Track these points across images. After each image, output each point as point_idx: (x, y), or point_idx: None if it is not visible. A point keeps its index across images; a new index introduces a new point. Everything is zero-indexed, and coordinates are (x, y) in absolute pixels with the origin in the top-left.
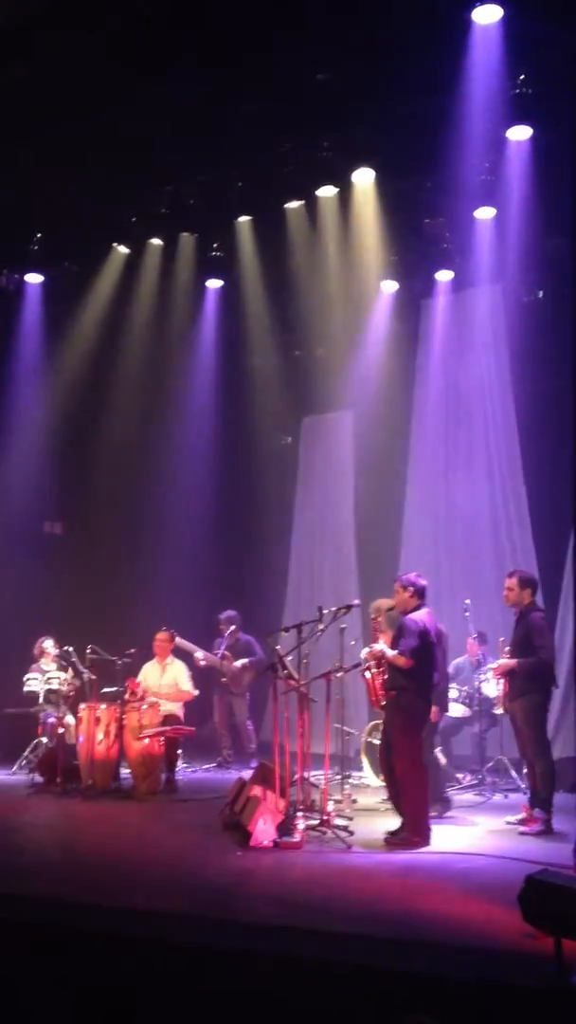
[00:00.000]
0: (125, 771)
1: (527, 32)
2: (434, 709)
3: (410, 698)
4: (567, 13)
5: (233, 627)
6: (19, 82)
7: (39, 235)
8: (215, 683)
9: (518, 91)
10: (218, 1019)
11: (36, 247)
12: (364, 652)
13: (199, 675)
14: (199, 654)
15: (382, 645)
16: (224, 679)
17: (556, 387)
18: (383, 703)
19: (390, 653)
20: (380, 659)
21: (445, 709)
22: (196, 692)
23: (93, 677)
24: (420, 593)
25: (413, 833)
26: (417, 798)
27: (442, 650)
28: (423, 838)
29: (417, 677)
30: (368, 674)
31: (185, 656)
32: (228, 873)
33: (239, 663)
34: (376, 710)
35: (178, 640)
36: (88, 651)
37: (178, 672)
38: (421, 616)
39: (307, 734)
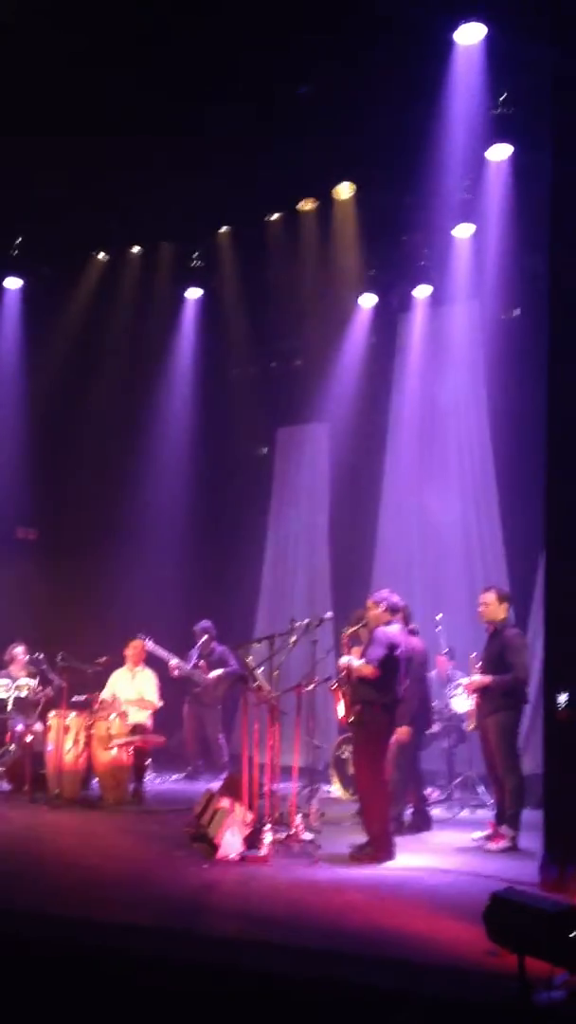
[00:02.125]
0: (94, 780)
1: (509, 51)
2: (404, 728)
3: (375, 712)
4: (549, 32)
5: (206, 637)
6: (1, 85)
7: (19, 239)
8: (187, 694)
9: (499, 110)
10: None
11: (15, 251)
12: (344, 659)
13: (170, 685)
14: (174, 662)
15: (348, 658)
16: (197, 689)
17: (531, 404)
18: (350, 719)
19: (356, 663)
20: (349, 672)
21: (427, 727)
22: (160, 703)
23: (63, 685)
24: (392, 609)
25: (377, 848)
26: (379, 812)
27: (417, 670)
28: (387, 853)
29: (383, 690)
30: (339, 690)
31: (157, 665)
32: (194, 886)
33: (214, 674)
34: (343, 725)
35: (153, 647)
36: (59, 659)
37: (145, 681)
38: (392, 629)
39: (277, 746)
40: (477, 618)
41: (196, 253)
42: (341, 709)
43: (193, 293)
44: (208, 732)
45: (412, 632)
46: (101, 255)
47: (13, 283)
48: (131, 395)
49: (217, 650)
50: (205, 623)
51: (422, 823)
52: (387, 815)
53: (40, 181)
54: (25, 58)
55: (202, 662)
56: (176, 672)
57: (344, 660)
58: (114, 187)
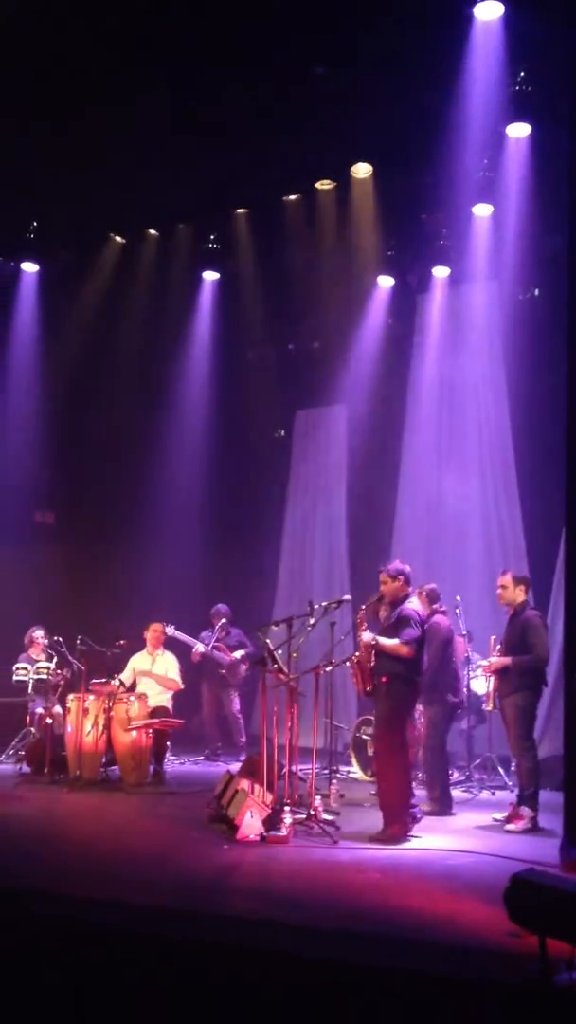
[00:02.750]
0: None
1: (527, 29)
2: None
3: (400, 686)
4: (567, 11)
5: (223, 620)
6: (17, 71)
7: (35, 224)
8: (206, 675)
9: (518, 88)
10: (202, 1013)
11: (32, 235)
12: (367, 636)
13: (190, 667)
14: (199, 648)
15: (371, 634)
16: (222, 671)
17: (550, 384)
18: (369, 691)
19: (390, 643)
20: (369, 648)
21: (457, 706)
22: (183, 686)
23: (82, 668)
24: (409, 580)
25: (390, 823)
26: (396, 786)
27: (444, 650)
28: (402, 826)
29: (409, 664)
30: (357, 664)
31: (176, 649)
32: (214, 867)
33: (237, 654)
34: (363, 698)
35: (176, 633)
36: (78, 641)
37: (168, 663)
38: (415, 605)
39: (295, 728)
40: (496, 600)
41: (213, 235)
42: (361, 682)
43: (210, 275)
44: (228, 712)
45: (441, 612)
46: (118, 238)
47: (30, 267)
48: (148, 378)
49: (233, 633)
50: (222, 606)
51: (444, 804)
52: (405, 789)
53: (56, 164)
54: (43, 40)
55: (221, 644)
56: (198, 657)
57: (368, 636)
58: (130, 170)
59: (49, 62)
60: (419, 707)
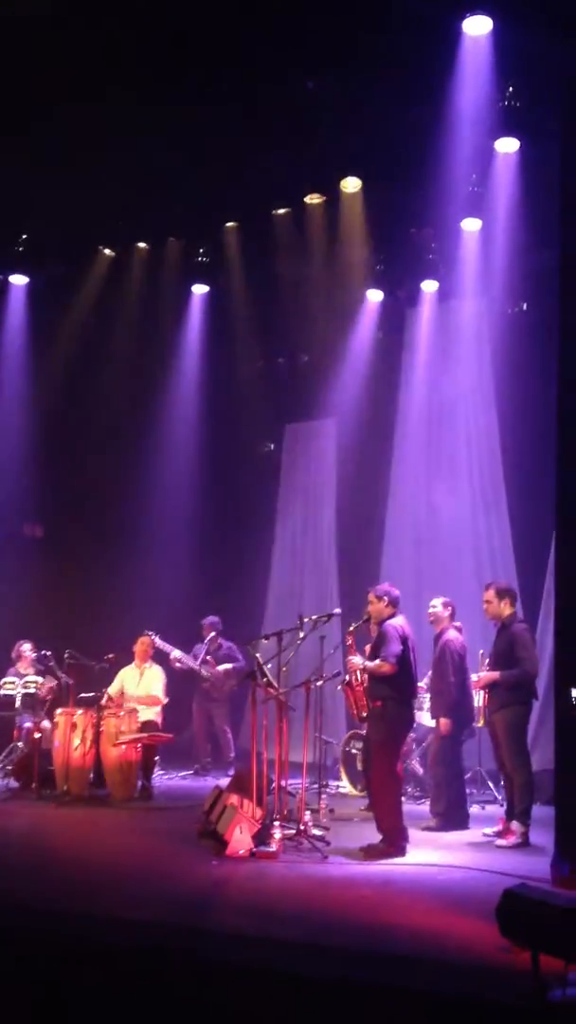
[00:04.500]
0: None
1: (516, 44)
2: (445, 721)
3: (394, 708)
4: (556, 26)
5: (214, 633)
6: (6, 83)
7: (24, 236)
8: (195, 690)
9: (506, 103)
10: None
11: (21, 248)
12: (356, 660)
13: (180, 681)
14: (175, 654)
15: (360, 658)
16: (206, 684)
17: (539, 398)
18: (364, 716)
19: (371, 664)
20: (359, 672)
21: (469, 720)
22: (166, 700)
23: (70, 682)
24: (394, 602)
25: (388, 844)
26: (391, 808)
27: (459, 664)
28: (399, 848)
29: (400, 685)
30: (349, 689)
31: (164, 662)
32: (204, 882)
33: (223, 667)
34: (357, 722)
35: (157, 641)
36: (66, 655)
37: (153, 678)
38: (398, 622)
39: (285, 743)
40: (484, 615)
41: (202, 248)
42: (354, 706)
43: (200, 289)
44: (216, 727)
45: (456, 627)
46: (107, 251)
47: (19, 280)
48: (138, 391)
49: (224, 645)
50: (212, 618)
51: (460, 819)
52: (399, 809)
53: (45, 177)
54: (32, 55)
55: (209, 657)
56: (177, 664)
57: (356, 660)
58: (120, 183)
59: (39, 75)
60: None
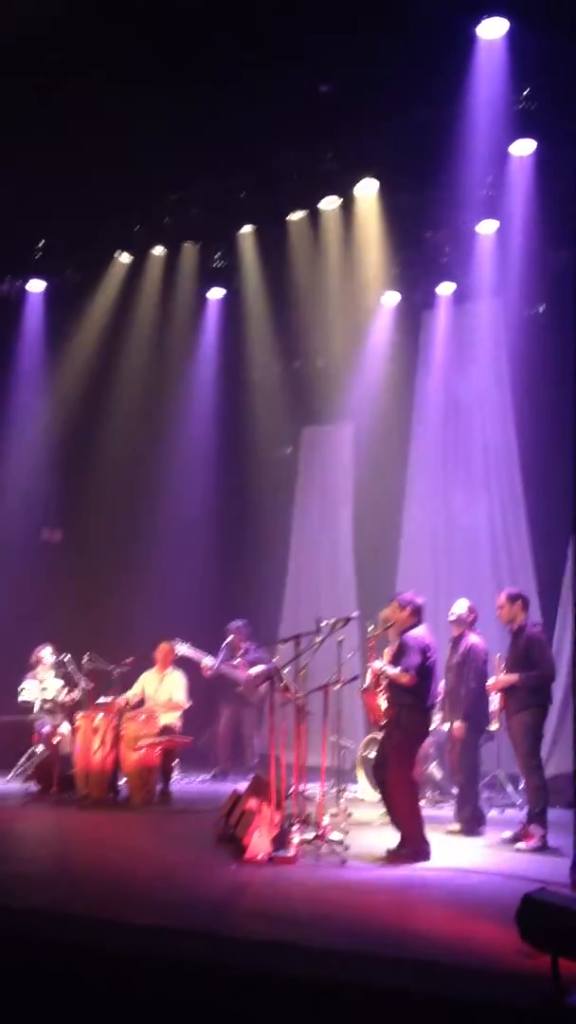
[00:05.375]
0: (121, 781)
1: (532, 46)
2: (459, 724)
3: (413, 716)
4: (572, 28)
5: (232, 636)
6: (24, 89)
7: (42, 242)
8: (223, 693)
9: (522, 105)
10: None
11: (38, 254)
12: (378, 664)
13: (205, 684)
14: (207, 661)
15: (381, 663)
16: (239, 688)
17: (556, 401)
18: (382, 723)
19: (392, 671)
20: (379, 677)
21: (485, 724)
22: (188, 704)
23: (90, 686)
24: (417, 611)
25: (415, 848)
26: (410, 814)
27: (480, 669)
28: (424, 852)
29: (420, 695)
30: (368, 693)
31: (188, 667)
32: (222, 887)
33: (254, 671)
34: (375, 728)
35: (188, 649)
36: (85, 660)
37: (174, 682)
38: (420, 633)
39: (303, 747)
40: (499, 620)
41: (218, 253)
42: (372, 711)
43: (216, 293)
44: (244, 732)
45: (478, 635)
46: (124, 257)
47: (36, 286)
48: (155, 396)
49: (251, 649)
50: (237, 622)
51: (474, 824)
52: (419, 814)
53: (62, 183)
54: (47, 60)
55: (238, 661)
56: (209, 672)
57: (377, 665)
58: (136, 188)
59: (54, 82)
60: (458, 725)
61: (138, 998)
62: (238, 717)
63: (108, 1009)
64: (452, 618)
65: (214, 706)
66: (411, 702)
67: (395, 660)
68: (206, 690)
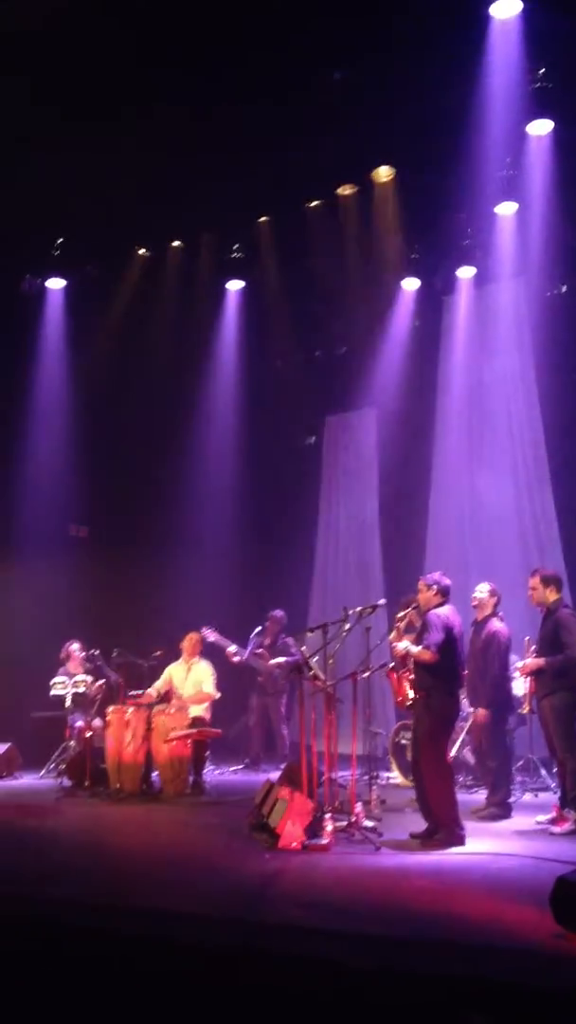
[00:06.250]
0: (154, 773)
1: (546, 26)
2: (482, 711)
3: (440, 698)
4: None
5: (266, 624)
6: (41, 87)
7: (60, 240)
8: (253, 684)
9: (538, 85)
10: (248, 1022)
11: (57, 252)
12: (401, 645)
13: (234, 675)
14: (231, 648)
15: (406, 644)
16: (260, 678)
17: None
18: (408, 703)
19: (415, 649)
20: (405, 658)
21: (509, 709)
22: (218, 695)
23: (120, 680)
24: (444, 592)
25: (447, 833)
26: (445, 797)
27: (503, 655)
28: (458, 837)
29: (445, 675)
30: (394, 674)
31: (217, 656)
32: (257, 875)
33: (274, 661)
34: (401, 711)
35: (215, 636)
36: (114, 654)
37: (202, 673)
38: (445, 611)
39: (334, 735)
40: (529, 602)
41: (236, 244)
42: (398, 693)
43: (235, 284)
44: (273, 723)
45: (499, 618)
46: (142, 251)
47: (56, 283)
48: (178, 389)
49: (281, 640)
50: (277, 612)
51: (507, 809)
52: (453, 799)
53: (79, 179)
54: (64, 55)
55: (262, 651)
56: (236, 659)
57: (402, 646)
58: (152, 182)
59: (70, 78)
60: (481, 712)
61: (173, 985)
62: (266, 707)
63: (149, 997)
64: (474, 603)
65: (244, 697)
66: (437, 683)
67: (419, 638)
68: (236, 680)
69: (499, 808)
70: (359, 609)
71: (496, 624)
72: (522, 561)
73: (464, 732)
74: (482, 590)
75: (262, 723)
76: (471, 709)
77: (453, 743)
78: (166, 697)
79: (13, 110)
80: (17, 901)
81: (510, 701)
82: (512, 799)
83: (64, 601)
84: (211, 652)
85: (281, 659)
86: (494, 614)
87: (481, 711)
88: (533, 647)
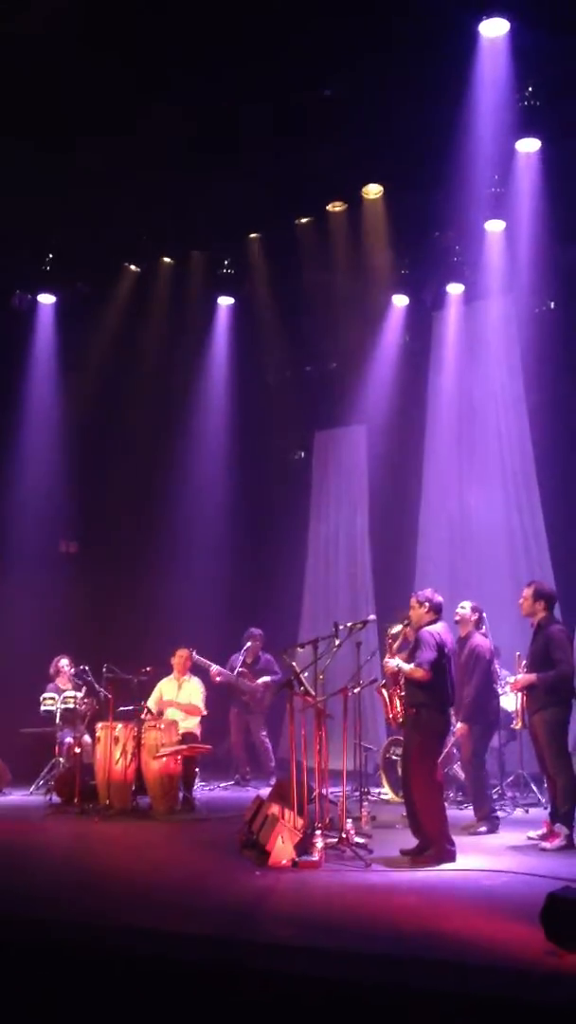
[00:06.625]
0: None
1: (534, 44)
2: (462, 727)
3: (431, 715)
4: (573, 25)
5: (249, 644)
6: (29, 102)
7: (51, 256)
8: (233, 701)
9: (526, 103)
10: None
11: (48, 267)
12: (392, 662)
13: (217, 693)
14: (214, 669)
15: (397, 661)
16: (245, 697)
17: (569, 395)
18: (400, 720)
19: (406, 667)
20: (396, 675)
21: (493, 726)
22: (205, 711)
23: (109, 696)
24: (436, 609)
25: (438, 850)
26: (434, 814)
27: (485, 670)
28: (448, 853)
29: (436, 692)
30: (385, 691)
31: (203, 674)
32: (247, 893)
33: (261, 680)
34: (392, 728)
35: (194, 656)
36: (104, 670)
37: (193, 689)
38: (438, 629)
39: (324, 751)
40: (521, 613)
41: (227, 261)
42: (389, 710)
43: (225, 300)
44: (254, 737)
45: (483, 634)
46: (133, 267)
47: (47, 299)
48: (168, 405)
49: (263, 658)
50: (254, 630)
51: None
52: (443, 816)
53: (69, 196)
54: (53, 71)
55: (245, 670)
56: (219, 679)
57: (393, 663)
58: (143, 199)
59: (59, 93)
60: (460, 727)
61: (162, 1005)
62: (246, 725)
63: (138, 1015)
64: (456, 619)
65: (226, 714)
66: (428, 700)
67: (410, 655)
68: (221, 698)
69: (487, 822)
70: (349, 624)
71: (478, 639)
72: (511, 575)
73: (454, 748)
74: (464, 607)
75: (244, 740)
76: (459, 724)
77: (446, 761)
78: (160, 713)
79: (2, 126)
80: (4, 919)
81: (493, 716)
82: (498, 812)
83: (54, 616)
84: (203, 671)
85: (267, 678)
86: (476, 630)
87: (460, 726)
88: (524, 662)
